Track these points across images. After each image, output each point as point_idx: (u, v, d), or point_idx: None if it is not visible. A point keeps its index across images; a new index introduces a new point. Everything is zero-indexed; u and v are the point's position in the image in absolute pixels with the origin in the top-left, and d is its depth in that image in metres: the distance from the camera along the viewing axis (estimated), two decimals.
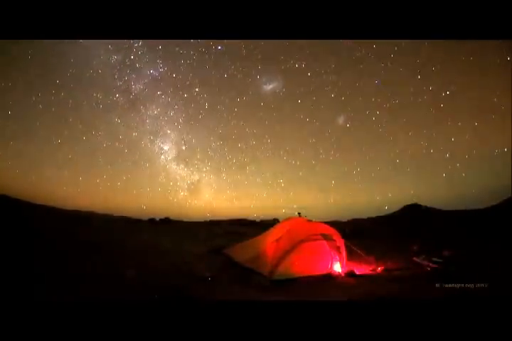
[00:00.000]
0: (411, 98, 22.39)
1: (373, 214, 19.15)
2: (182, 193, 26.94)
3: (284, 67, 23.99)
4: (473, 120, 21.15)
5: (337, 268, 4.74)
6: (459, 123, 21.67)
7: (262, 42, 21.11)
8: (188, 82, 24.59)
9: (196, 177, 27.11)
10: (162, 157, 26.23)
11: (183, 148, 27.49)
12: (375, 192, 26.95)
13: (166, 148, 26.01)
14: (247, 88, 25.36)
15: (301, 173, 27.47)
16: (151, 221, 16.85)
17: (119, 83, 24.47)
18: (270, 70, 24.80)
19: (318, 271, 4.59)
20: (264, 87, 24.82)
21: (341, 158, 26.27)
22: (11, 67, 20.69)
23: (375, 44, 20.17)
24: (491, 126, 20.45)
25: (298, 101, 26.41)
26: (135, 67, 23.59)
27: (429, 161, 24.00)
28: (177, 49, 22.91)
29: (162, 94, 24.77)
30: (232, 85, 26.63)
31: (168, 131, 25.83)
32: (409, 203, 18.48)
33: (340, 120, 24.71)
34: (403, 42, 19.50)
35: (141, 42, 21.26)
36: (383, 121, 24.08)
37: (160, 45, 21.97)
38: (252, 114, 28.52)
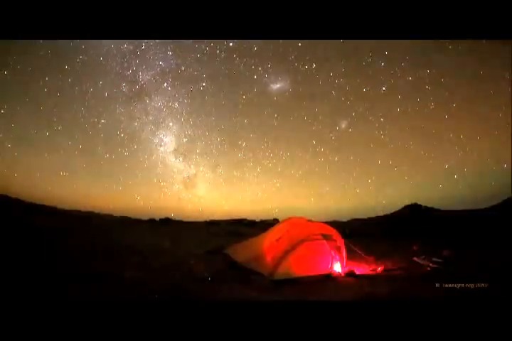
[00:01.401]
0: (416, 108, 22.34)
1: (373, 214, 19.22)
2: (177, 186, 27.03)
3: (293, 67, 23.89)
4: (476, 134, 21.14)
5: (337, 268, 4.74)
6: (461, 136, 21.67)
7: (273, 41, 20.97)
8: (195, 76, 24.51)
9: (193, 171, 27.11)
10: (161, 149, 26.28)
11: (183, 141, 27.50)
12: (374, 193, 26.97)
13: (166, 140, 26.05)
14: (253, 86, 25.28)
15: (300, 173, 27.51)
16: (151, 221, 16.91)
17: (126, 73, 24.37)
18: (279, 70, 24.69)
19: (319, 271, 4.58)
20: (271, 86, 24.76)
21: (341, 160, 26.28)
22: (17, 51, 20.53)
23: (386, 51, 20.10)
24: (493, 142, 20.44)
25: (303, 103, 26.39)
26: (144, 57, 23.52)
27: (428, 168, 24.07)
28: (188, 42, 22.76)
29: (168, 86, 24.67)
30: (239, 82, 26.64)
31: (170, 124, 25.83)
32: (409, 203, 18.53)
33: (343, 124, 24.70)
34: (415, 50, 19.45)
35: None
36: (385, 128, 24.06)
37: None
38: (255, 112, 28.53)
